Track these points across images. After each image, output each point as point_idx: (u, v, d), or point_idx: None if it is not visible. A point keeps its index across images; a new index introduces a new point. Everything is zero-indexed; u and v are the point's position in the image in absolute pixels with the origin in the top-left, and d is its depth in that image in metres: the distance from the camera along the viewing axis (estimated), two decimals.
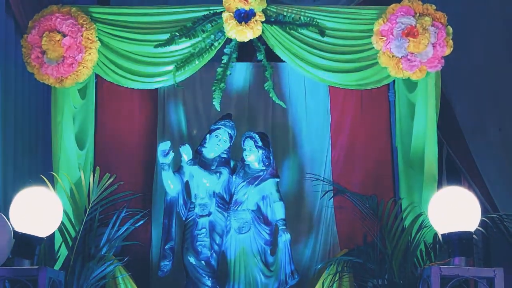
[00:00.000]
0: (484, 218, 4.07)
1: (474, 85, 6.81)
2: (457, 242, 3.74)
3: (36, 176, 4.90)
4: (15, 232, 3.79)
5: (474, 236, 3.82)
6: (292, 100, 5.65)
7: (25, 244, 3.76)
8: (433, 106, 4.82)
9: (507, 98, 6.83)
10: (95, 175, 4.62)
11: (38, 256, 3.90)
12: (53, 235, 4.26)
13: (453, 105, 6.63)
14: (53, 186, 4.49)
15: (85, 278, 4.29)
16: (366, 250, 4.64)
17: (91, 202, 4.51)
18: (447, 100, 6.18)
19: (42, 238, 3.86)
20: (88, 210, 4.50)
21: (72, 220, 4.48)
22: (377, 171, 5.36)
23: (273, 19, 4.75)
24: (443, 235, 3.85)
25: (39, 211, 3.85)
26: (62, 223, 4.21)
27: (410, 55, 4.62)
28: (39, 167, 4.98)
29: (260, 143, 5.15)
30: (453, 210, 3.79)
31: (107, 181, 4.59)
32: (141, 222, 4.89)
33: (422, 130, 4.87)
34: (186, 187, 5.19)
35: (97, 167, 4.89)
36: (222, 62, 4.85)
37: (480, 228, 3.98)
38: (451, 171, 6.71)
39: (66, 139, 4.83)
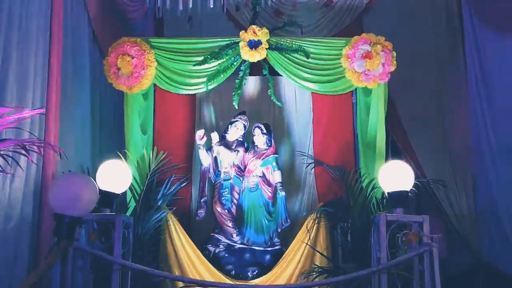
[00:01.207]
0: (416, 182, 4.02)
1: (410, 91, 6.80)
2: (397, 198, 3.74)
3: (114, 152, 4.94)
4: (100, 190, 3.82)
5: (409, 193, 3.79)
6: (287, 102, 5.61)
7: (106, 198, 3.79)
8: (382, 106, 4.81)
9: (431, 99, 6.82)
10: (153, 152, 4.62)
11: (115, 206, 3.90)
12: (125, 192, 4.26)
13: (396, 104, 6.61)
14: (126, 160, 4.50)
15: (147, 222, 4.32)
16: (336, 203, 4.65)
17: (151, 170, 4.52)
18: (392, 101, 6.14)
19: (118, 194, 3.89)
20: (148, 176, 4.51)
21: (138, 182, 4.52)
22: (344, 151, 5.33)
23: (273, 47, 4.74)
24: (388, 193, 3.83)
25: (116, 176, 3.89)
26: (131, 184, 4.22)
27: (367, 71, 4.60)
28: (117, 147, 4.99)
29: (264, 131, 5.15)
30: (395, 176, 3.78)
31: (161, 157, 4.60)
32: (184, 184, 4.93)
33: (375, 122, 4.86)
34: (215, 160, 5.17)
35: (155, 147, 4.92)
36: (239, 76, 4.83)
37: (413, 188, 3.94)
38: (394, 150, 6.69)
39: (134, 127, 4.88)
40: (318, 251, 4.62)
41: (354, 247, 4.26)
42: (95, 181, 3.77)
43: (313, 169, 5.49)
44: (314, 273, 4.41)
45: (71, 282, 3.42)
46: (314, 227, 4.70)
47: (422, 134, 6.77)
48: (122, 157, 4.35)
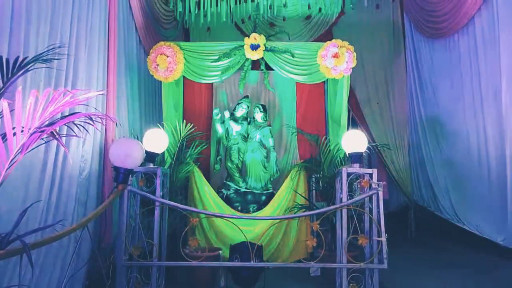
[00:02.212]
0: (369, 145, 4.00)
1: (365, 80, 6.73)
2: (355, 157, 3.70)
3: (155, 124, 4.91)
4: (146, 150, 3.80)
5: (363, 154, 3.76)
6: (278, 89, 5.54)
7: (150, 156, 3.76)
8: (346, 92, 4.69)
9: (380, 85, 6.78)
10: (183, 124, 4.58)
11: (156, 162, 3.88)
12: (163, 152, 4.22)
13: (355, 90, 6.56)
14: (163, 129, 4.46)
15: (179, 172, 4.30)
16: (312, 160, 4.64)
17: (181, 137, 4.47)
18: (352, 87, 6.08)
19: (158, 153, 3.85)
20: (180, 140, 4.47)
21: (172, 144, 4.49)
22: (318, 124, 5.31)
23: (268, 49, 4.60)
24: (348, 153, 3.79)
25: (156, 140, 3.83)
26: (168, 146, 4.18)
27: (335, 66, 4.48)
28: (157, 120, 4.96)
29: (262, 109, 5.10)
30: (353, 141, 3.74)
31: (189, 127, 4.56)
32: (205, 146, 4.90)
33: (339, 103, 4.76)
34: (226, 130, 5.13)
35: (184, 120, 4.87)
36: (244, 70, 4.73)
37: (367, 150, 3.91)
38: (353, 123, 6.68)
39: (169, 106, 4.77)
40: (298, 193, 4.64)
41: (323, 191, 4.26)
42: (142, 144, 3.80)
43: (296, 137, 5.50)
44: (295, 208, 4.45)
45: (126, 213, 3.43)
46: (296, 177, 4.72)
47: (373, 110, 6.78)
48: (161, 128, 4.31)
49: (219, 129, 5.11)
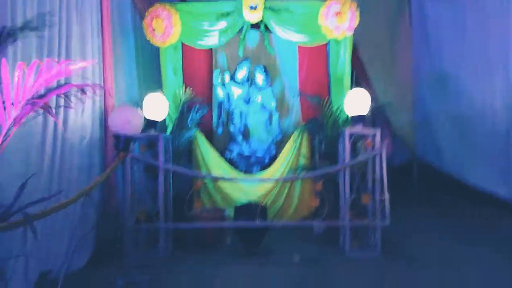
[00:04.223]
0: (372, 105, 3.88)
1: (369, 38, 6.46)
2: (358, 117, 3.62)
3: (155, 89, 4.81)
4: (145, 118, 3.73)
5: (366, 114, 3.65)
6: (279, 51, 5.32)
7: (151, 122, 3.71)
8: (348, 52, 4.54)
9: (384, 43, 6.53)
10: (183, 89, 4.48)
11: (157, 128, 3.81)
12: (164, 119, 4.15)
13: (358, 49, 6.31)
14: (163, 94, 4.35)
15: (181, 138, 4.26)
16: (314, 122, 4.55)
17: (182, 101, 4.39)
18: (356, 46, 5.86)
19: (158, 121, 3.78)
20: (180, 106, 4.39)
21: (173, 110, 4.41)
22: (320, 85, 5.08)
23: (268, 7, 4.40)
24: (351, 116, 3.68)
25: (157, 106, 3.75)
26: (168, 112, 4.11)
27: (337, 25, 4.31)
28: (156, 85, 4.84)
29: (263, 71, 4.96)
30: (356, 102, 3.65)
31: (189, 92, 4.46)
32: (206, 110, 4.79)
33: (342, 64, 4.61)
34: (227, 94, 5.01)
35: (184, 84, 4.75)
36: (243, 31, 4.55)
37: (370, 110, 3.80)
38: (356, 82, 6.51)
39: (168, 71, 4.66)
40: (302, 155, 4.59)
41: (326, 152, 4.21)
42: (141, 111, 3.74)
43: (298, 98, 5.38)
44: (298, 169, 4.42)
45: (129, 179, 3.44)
46: (299, 138, 4.65)
47: (376, 68, 6.56)
48: (162, 93, 4.21)
49: (220, 92, 5.00)
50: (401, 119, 6.52)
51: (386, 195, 3.36)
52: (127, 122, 2.76)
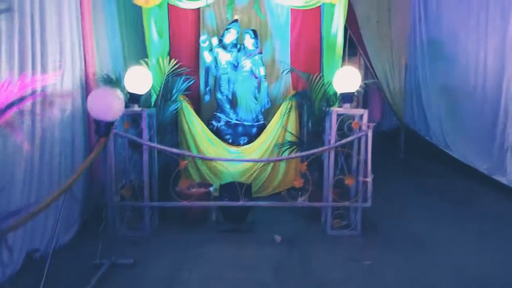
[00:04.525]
0: (365, 82, 3.78)
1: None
2: (346, 96, 3.53)
3: (140, 54, 4.58)
4: (129, 92, 3.60)
5: (355, 93, 3.55)
6: (270, 13, 5.03)
7: (134, 97, 3.56)
8: (342, 16, 4.27)
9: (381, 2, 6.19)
10: (167, 60, 4.27)
11: (141, 102, 3.67)
12: (149, 92, 3.97)
13: (354, 6, 6.00)
14: (147, 65, 4.14)
15: (166, 110, 4.10)
16: (303, 94, 4.42)
17: (166, 72, 4.19)
18: (351, 3, 5.56)
19: (141, 95, 3.64)
20: (164, 77, 4.19)
21: (158, 80, 4.22)
22: (313, 52, 4.92)
23: None
24: (340, 93, 3.59)
25: (139, 80, 3.57)
26: (153, 84, 3.93)
27: None
28: (141, 49, 4.58)
29: (253, 35, 4.70)
30: (345, 80, 3.52)
31: (173, 63, 4.23)
32: (192, 81, 4.61)
33: (336, 27, 4.33)
34: (215, 59, 4.79)
35: (170, 47, 4.46)
36: None
37: (360, 89, 3.69)
38: (350, 43, 6.30)
39: (152, 33, 4.33)
40: (288, 131, 4.52)
41: (313, 129, 4.15)
42: (124, 85, 3.58)
43: (289, 64, 5.18)
44: (285, 145, 4.39)
45: (114, 154, 3.40)
46: (287, 111, 4.56)
47: (371, 29, 6.31)
48: (145, 64, 4.01)
49: (207, 57, 4.77)
50: (393, 85, 6.42)
51: (370, 178, 3.37)
52: (106, 108, 2.63)
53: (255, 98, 4.85)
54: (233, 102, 4.88)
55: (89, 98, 2.67)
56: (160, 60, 4.22)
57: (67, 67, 3.41)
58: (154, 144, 3.55)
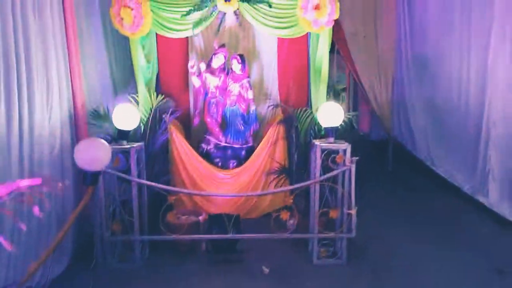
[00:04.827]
0: (345, 118, 3.82)
1: (353, 13, 6.13)
2: (330, 130, 3.60)
3: (128, 82, 4.60)
4: (117, 128, 3.64)
5: (338, 127, 3.61)
6: (257, 34, 5.09)
7: (122, 133, 3.61)
8: (327, 44, 4.31)
9: (368, 20, 6.21)
10: (153, 96, 4.32)
11: (129, 138, 3.70)
12: (138, 127, 3.99)
13: (342, 23, 6.02)
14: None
15: (154, 142, 4.16)
16: (289, 121, 4.47)
17: (154, 106, 4.23)
18: (339, 21, 5.57)
19: (129, 130, 3.66)
20: (152, 112, 4.24)
21: (146, 110, 4.25)
22: (300, 73, 4.99)
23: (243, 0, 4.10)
24: (324, 127, 3.66)
25: (127, 117, 3.60)
26: (140, 117, 3.94)
27: (316, 20, 4.05)
28: (130, 76, 4.60)
29: (240, 61, 4.74)
30: (329, 115, 3.59)
31: (160, 99, 4.29)
32: (179, 113, 4.66)
33: (321, 55, 4.42)
34: (203, 83, 4.83)
35: (154, 93, 4.42)
36: (219, 24, 4.29)
37: (342, 123, 3.75)
38: (339, 61, 6.34)
39: (140, 59, 4.35)
40: (276, 161, 4.58)
41: (299, 160, 4.21)
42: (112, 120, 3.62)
43: (277, 82, 5.24)
44: (273, 173, 4.45)
45: (103, 190, 3.45)
46: (275, 135, 4.62)
47: (359, 45, 6.35)
48: (132, 100, 4.04)
49: (196, 82, 4.81)
50: (380, 98, 6.49)
51: (353, 210, 3.46)
52: (93, 159, 2.67)
53: (244, 121, 4.90)
54: (222, 125, 4.92)
55: (76, 150, 2.71)
56: (147, 94, 4.25)
57: (54, 100, 3.43)
58: (144, 181, 3.60)
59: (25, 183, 1.52)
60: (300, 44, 4.93)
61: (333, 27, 4.25)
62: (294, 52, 5.03)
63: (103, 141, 2.79)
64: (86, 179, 2.75)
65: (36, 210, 1.54)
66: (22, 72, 3.05)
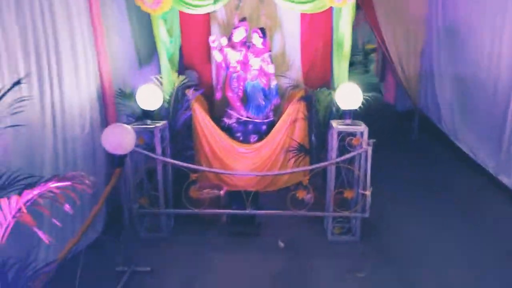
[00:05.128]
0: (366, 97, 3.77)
1: None
2: (348, 113, 3.60)
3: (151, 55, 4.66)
4: (141, 109, 3.79)
5: (357, 109, 3.59)
6: (281, 15, 5.02)
7: (146, 113, 3.78)
8: (350, 17, 4.15)
9: None
10: (174, 76, 4.39)
11: (153, 117, 3.86)
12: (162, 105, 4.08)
13: None
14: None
15: (177, 120, 4.31)
16: (310, 99, 4.48)
17: (176, 86, 4.33)
18: None
19: (153, 110, 3.81)
20: (174, 92, 4.32)
21: (169, 89, 4.34)
22: (324, 47, 4.90)
23: None
24: (342, 109, 3.64)
25: (150, 97, 3.74)
26: (164, 97, 4.03)
27: None
28: (154, 52, 4.65)
29: (261, 34, 4.68)
30: (347, 97, 3.57)
31: (182, 79, 4.37)
32: (199, 92, 4.71)
33: (343, 31, 4.26)
34: (225, 58, 4.85)
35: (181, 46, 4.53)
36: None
37: (364, 102, 3.71)
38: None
39: (161, 41, 4.33)
40: (295, 140, 4.61)
41: (317, 140, 4.24)
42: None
43: (299, 55, 5.17)
44: (292, 151, 4.51)
45: (131, 171, 3.66)
46: (294, 114, 4.64)
47: (388, 11, 6.05)
48: (156, 80, 4.13)
49: (217, 56, 4.82)
50: (408, 68, 6.27)
51: (368, 191, 3.53)
52: (119, 144, 2.85)
53: (265, 95, 4.93)
54: (243, 100, 4.97)
55: (103, 136, 2.89)
56: (170, 70, 4.34)
57: (82, 80, 3.58)
58: (167, 160, 3.78)
59: (55, 184, 1.69)
60: (325, 16, 4.77)
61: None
62: (318, 25, 4.89)
63: (127, 126, 2.95)
64: (114, 161, 2.95)
65: (67, 207, 1.70)
66: (52, 54, 3.19)
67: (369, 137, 3.47)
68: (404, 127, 6.80)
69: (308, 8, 4.18)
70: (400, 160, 5.45)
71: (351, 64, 6.96)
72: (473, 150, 5.10)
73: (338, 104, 3.65)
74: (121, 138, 2.87)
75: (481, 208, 4.24)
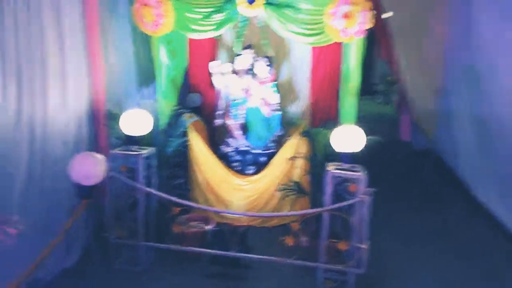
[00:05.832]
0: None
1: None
2: (344, 156, 3.24)
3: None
4: (125, 134, 3.54)
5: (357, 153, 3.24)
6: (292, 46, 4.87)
7: (130, 139, 3.54)
8: (359, 55, 3.86)
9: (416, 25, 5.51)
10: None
11: (141, 142, 3.61)
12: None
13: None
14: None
15: (169, 146, 4.06)
16: (309, 134, 4.15)
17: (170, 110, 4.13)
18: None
19: (140, 136, 3.57)
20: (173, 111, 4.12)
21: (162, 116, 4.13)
22: (332, 93, 4.58)
23: (269, 2, 3.74)
24: (339, 152, 3.29)
25: (137, 123, 3.49)
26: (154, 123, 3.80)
27: (345, 29, 3.62)
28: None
29: (267, 63, 4.47)
30: (345, 139, 3.22)
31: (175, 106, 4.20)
32: (195, 119, 4.48)
33: (350, 67, 3.96)
34: (227, 84, 4.61)
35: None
36: (239, 27, 4.03)
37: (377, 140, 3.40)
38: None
39: (159, 64, 4.22)
40: (289, 178, 4.29)
41: (313, 181, 3.89)
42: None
43: (309, 83, 4.88)
44: (287, 191, 4.15)
45: (109, 198, 3.41)
46: (294, 149, 4.28)
47: (406, 46, 5.69)
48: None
49: (219, 83, 4.60)
50: (423, 107, 5.85)
51: (365, 245, 3.12)
52: (87, 175, 2.60)
53: (266, 126, 4.64)
54: (244, 129, 4.70)
55: (70, 165, 2.65)
56: (167, 95, 4.17)
57: (70, 97, 3.37)
58: (148, 189, 3.49)
59: None
60: (336, 48, 4.47)
61: (378, 24, 3.76)
62: (329, 56, 4.61)
63: (98, 156, 2.70)
64: (80, 192, 2.69)
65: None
66: (36, 65, 3.01)
67: (378, 177, 3.10)
68: (418, 167, 6.31)
69: (313, 41, 3.91)
70: (407, 206, 4.97)
71: (374, 93, 6.44)
72: (491, 203, 4.58)
73: (333, 146, 3.29)
74: (90, 169, 2.61)
75: (499, 272, 3.69)
